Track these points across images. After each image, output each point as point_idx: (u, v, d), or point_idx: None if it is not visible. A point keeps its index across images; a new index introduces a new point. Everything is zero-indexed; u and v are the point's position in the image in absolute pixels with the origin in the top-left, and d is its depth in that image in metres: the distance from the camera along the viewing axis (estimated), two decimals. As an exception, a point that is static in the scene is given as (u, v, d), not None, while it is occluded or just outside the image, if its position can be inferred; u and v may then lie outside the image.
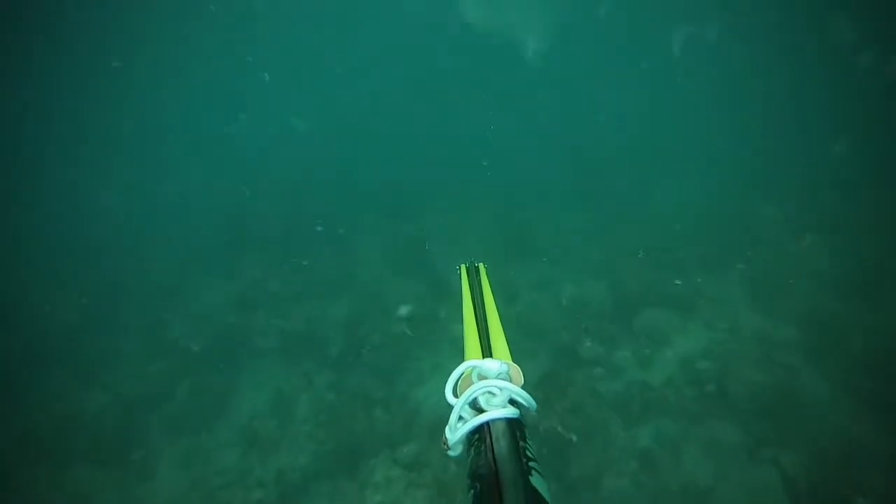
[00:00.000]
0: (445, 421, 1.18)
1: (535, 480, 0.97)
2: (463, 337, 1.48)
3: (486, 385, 1.17)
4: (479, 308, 1.55)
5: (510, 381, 1.21)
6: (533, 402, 1.20)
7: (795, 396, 7.20)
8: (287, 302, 11.12)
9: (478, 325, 1.47)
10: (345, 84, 22.61)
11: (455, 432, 1.13)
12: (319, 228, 11.83)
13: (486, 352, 1.38)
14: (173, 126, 21.72)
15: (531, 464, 1.00)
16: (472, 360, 1.27)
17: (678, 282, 9.58)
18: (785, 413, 6.99)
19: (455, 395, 1.22)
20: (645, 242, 10.98)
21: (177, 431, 9.14)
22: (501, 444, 1.05)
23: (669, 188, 13.32)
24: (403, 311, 9.83)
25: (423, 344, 9.47)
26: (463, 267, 1.83)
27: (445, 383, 1.24)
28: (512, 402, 1.17)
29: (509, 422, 1.12)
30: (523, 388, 1.21)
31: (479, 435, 1.11)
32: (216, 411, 9.37)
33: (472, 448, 1.11)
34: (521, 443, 1.05)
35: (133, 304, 11.43)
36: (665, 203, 12.66)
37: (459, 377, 1.26)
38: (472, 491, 1.00)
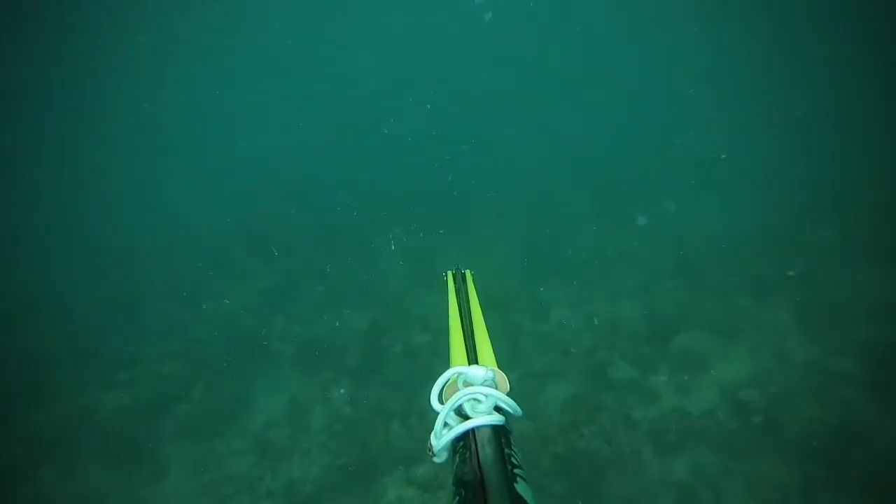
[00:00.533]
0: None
1: (521, 487, 0.95)
2: (448, 344, 1.46)
3: (471, 392, 1.15)
4: (464, 315, 1.55)
5: (496, 387, 1.20)
6: (518, 409, 1.17)
7: (856, 434, 6.48)
8: (308, 309, 10.88)
9: (464, 332, 1.46)
10: (375, 90, 22.54)
11: (440, 439, 1.12)
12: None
13: (472, 358, 1.35)
14: (196, 130, 21.95)
15: (516, 471, 0.98)
16: (458, 367, 1.25)
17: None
18: (844, 452, 6.29)
19: (441, 401, 1.20)
20: (687, 262, 10.38)
21: (190, 435, 8.90)
22: (487, 451, 1.03)
23: (716, 207, 12.60)
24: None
25: (444, 357, 9.02)
26: (449, 273, 1.85)
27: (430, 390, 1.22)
28: (497, 409, 1.15)
29: (494, 429, 1.09)
30: (509, 394, 1.19)
31: (465, 442, 1.08)
32: (230, 416, 9.11)
33: (458, 455, 1.07)
34: (507, 450, 1.03)
35: (153, 306, 11.34)
36: (710, 222, 11.96)
37: (445, 384, 1.23)
38: (458, 498, 0.99)
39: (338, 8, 23.99)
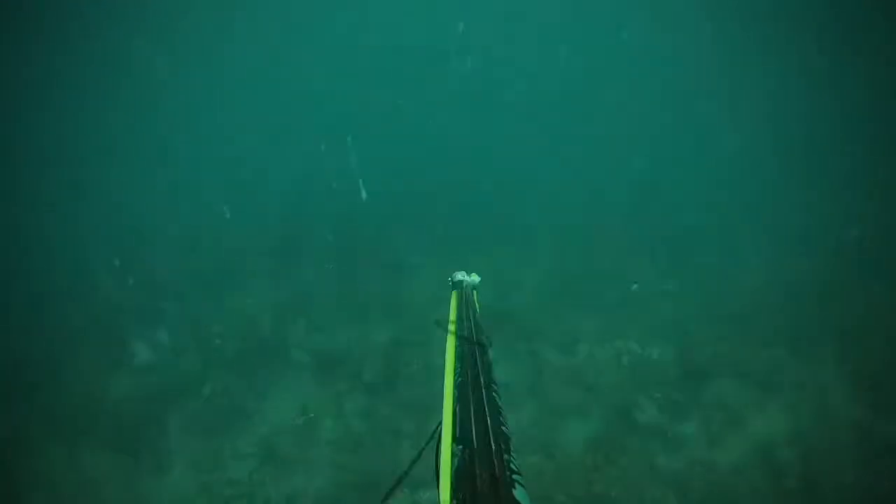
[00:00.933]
0: None
1: (519, 494, 0.93)
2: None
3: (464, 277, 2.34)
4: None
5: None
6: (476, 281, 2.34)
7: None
8: (331, 318, 10.69)
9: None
10: (412, 105, 22.34)
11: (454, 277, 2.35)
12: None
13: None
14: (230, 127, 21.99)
15: (514, 476, 0.97)
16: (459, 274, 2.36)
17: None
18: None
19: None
20: (728, 310, 9.87)
21: (196, 431, 8.74)
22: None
23: (764, 258, 11.94)
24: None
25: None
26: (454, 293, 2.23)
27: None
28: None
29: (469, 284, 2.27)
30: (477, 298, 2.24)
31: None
32: (238, 417, 8.91)
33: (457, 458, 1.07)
34: (506, 455, 1.03)
35: (177, 297, 11.31)
36: (756, 272, 11.33)
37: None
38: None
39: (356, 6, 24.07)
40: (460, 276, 2.33)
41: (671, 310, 10.27)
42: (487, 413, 1.17)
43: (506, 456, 1.03)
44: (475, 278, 2.32)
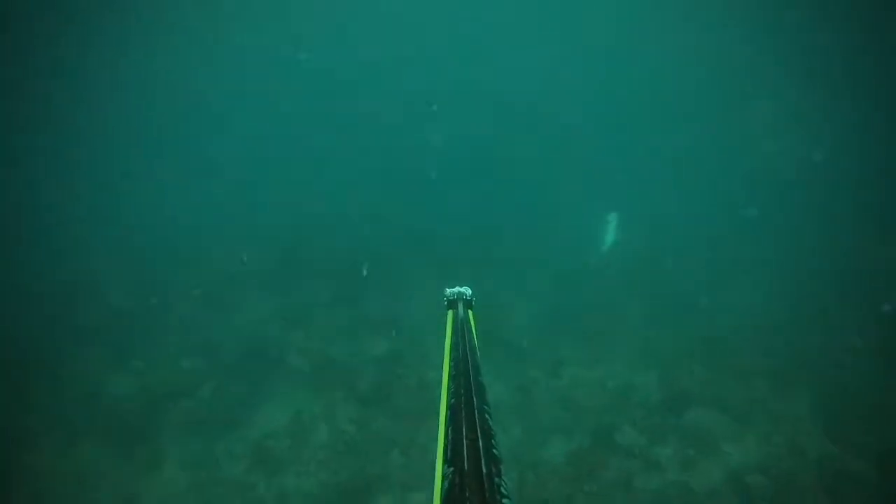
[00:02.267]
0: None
1: None
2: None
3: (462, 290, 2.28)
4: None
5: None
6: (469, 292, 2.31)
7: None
8: (330, 329, 11.02)
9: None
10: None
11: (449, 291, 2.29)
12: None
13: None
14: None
15: (504, 500, 0.99)
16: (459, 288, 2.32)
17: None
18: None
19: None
20: (709, 345, 10.33)
21: (191, 431, 8.97)
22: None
23: (749, 290, 12.56)
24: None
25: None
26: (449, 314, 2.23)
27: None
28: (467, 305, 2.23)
29: (464, 302, 2.21)
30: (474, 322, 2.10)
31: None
32: (234, 419, 9.17)
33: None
34: (496, 479, 1.04)
35: (183, 303, 11.59)
36: (743, 309, 11.83)
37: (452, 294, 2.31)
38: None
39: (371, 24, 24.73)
40: (454, 292, 2.22)
41: (658, 339, 10.71)
42: (479, 435, 1.16)
43: (496, 479, 1.03)
44: (466, 290, 2.23)
